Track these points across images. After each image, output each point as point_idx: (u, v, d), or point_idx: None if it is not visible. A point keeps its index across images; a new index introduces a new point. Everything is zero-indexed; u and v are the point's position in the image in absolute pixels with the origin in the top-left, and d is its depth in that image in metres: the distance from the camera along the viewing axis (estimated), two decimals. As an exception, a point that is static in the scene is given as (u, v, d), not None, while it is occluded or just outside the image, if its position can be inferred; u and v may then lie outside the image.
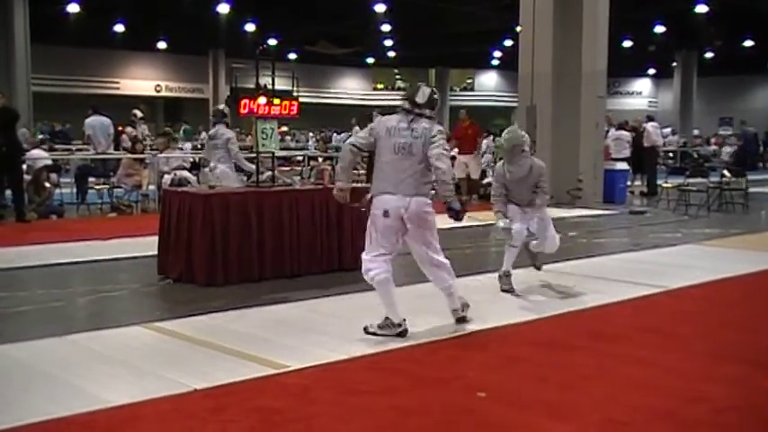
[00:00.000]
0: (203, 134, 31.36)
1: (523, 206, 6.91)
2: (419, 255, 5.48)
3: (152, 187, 13.68)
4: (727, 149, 24.44)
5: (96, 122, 15.46)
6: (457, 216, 5.31)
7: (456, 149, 16.16)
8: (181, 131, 25.52)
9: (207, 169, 10.25)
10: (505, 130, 7.15)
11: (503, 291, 6.91)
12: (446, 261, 5.51)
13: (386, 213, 5.24)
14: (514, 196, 6.94)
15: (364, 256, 5.36)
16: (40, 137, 17.28)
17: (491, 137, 19.85)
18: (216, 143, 10.13)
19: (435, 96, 5.48)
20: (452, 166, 17.23)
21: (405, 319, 5.34)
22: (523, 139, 6.86)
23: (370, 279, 5.32)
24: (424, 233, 5.37)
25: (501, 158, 7.31)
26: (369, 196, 5.40)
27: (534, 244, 7.16)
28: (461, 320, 5.66)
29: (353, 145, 5.53)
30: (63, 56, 31.01)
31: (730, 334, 5.70)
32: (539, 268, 7.48)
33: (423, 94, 5.39)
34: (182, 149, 17.27)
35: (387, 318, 5.34)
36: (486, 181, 16.16)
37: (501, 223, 6.83)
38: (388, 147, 5.30)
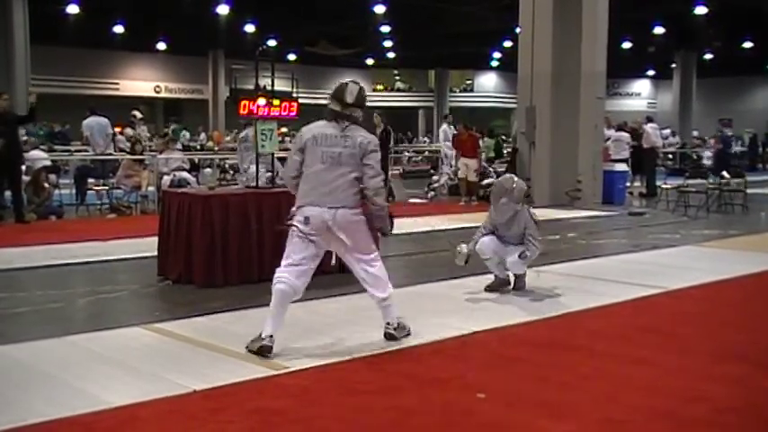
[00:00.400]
0: (202, 135, 31.47)
1: (511, 244, 6.89)
2: (353, 267, 5.14)
3: (151, 188, 13.68)
4: (708, 153, 24.67)
5: (94, 123, 15.46)
6: (385, 235, 5.33)
7: (460, 154, 16.27)
8: (170, 131, 25.12)
9: (239, 170, 10.33)
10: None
11: (485, 288, 6.98)
12: (382, 273, 5.15)
13: (306, 220, 4.92)
14: (503, 235, 6.93)
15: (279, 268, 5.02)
16: (24, 138, 17.18)
17: (483, 138, 19.84)
18: (248, 146, 10.29)
19: (364, 94, 5.14)
20: (453, 164, 17.42)
21: (271, 337, 4.84)
22: (510, 187, 6.78)
23: (273, 287, 4.95)
24: (355, 243, 5.01)
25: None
26: (293, 209, 5.05)
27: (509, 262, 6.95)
28: (390, 337, 5.19)
29: (293, 177, 5.11)
30: (62, 57, 31.02)
31: (731, 334, 5.70)
32: (517, 288, 7.04)
33: (351, 93, 5.05)
34: (180, 150, 17.27)
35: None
36: (485, 182, 16.21)
37: (463, 247, 6.90)
38: (316, 156, 4.95)
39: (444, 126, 18.29)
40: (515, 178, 7.07)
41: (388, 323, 5.21)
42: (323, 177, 4.92)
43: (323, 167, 4.93)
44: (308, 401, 4.11)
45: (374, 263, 5.13)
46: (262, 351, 4.80)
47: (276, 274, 4.97)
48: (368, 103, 5.28)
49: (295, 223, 4.96)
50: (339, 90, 5.10)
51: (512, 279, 7.07)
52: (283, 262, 5.00)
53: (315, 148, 4.97)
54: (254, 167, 10.07)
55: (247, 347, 4.89)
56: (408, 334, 5.29)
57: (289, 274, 4.93)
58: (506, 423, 3.86)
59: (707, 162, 23.30)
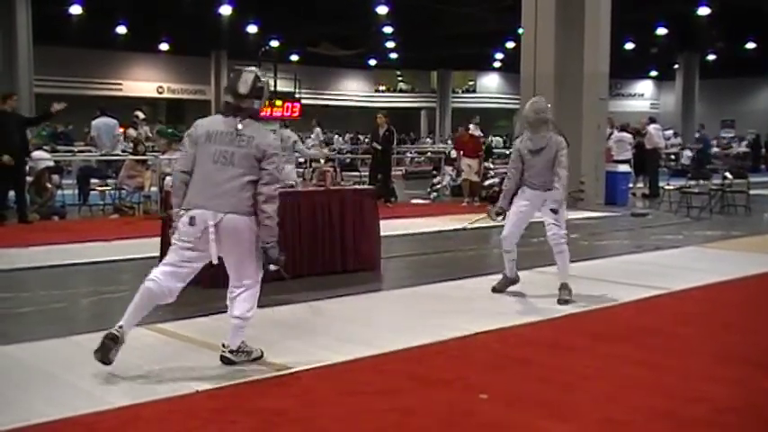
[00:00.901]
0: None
1: (540, 189, 6.68)
2: (232, 279, 4.65)
3: (154, 189, 13.69)
4: (688, 153, 24.81)
5: (101, 124, 15.49)
6: (274, 262, 4.54)
7: (463, 154, 16.27)
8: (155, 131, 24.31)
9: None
10: (530, 100, 6.97)
11: (492, 289, 6.93)
12: (252, 295, 4.64)
13: (192, 221, 4.44)
14: (531, 176, 6.72)
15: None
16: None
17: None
18: (284, 146, 10.90)
19: (260, 84, 4.60)
20: (455, 167, 17.47)
21: (121, 327, 4.47)
22: (548, 108, 6.82)
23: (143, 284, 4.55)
24: (237, 254, 4.53)
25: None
26: (177, 211, 4.60)
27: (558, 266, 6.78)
28: (227, 361, 4.64)
29: (182, 171, 4.63)
30: (65, 57, 31.08)
31: (732, 335, 5.70)
32: (563, 302, 6.55)
33: (245, 83, 4.55)
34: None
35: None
36: (487, 183, 16.22)
37: (491, 208, 6.90)
38: (208, 154, 4.48)
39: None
40: (543, 99, 7.00)
41: (224, 344, 4.67)
42: (213, 178, 4.45)
43: (214, 168, 4.46)
44: (309, 402, 4.11)
45: (243, 289, 4.61)
46: (106, 338, 4.42)
47: (151, 273, 4.57)
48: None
49: (179, 225, 4.52)
50: (232, 80, 4.61)
51: (518, 278, 7.03)
52: (163, 262, 4.62)
53: (208, 145, 4.50)
54: (288, 166, 10.72)
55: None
56: (256, 358, 4.72)
57: (162, 274, 4.53)
58: (507, 423, 3.87)
59: (686, 162, 23.43)
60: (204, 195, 4.46)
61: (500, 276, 7.04)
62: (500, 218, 6.87)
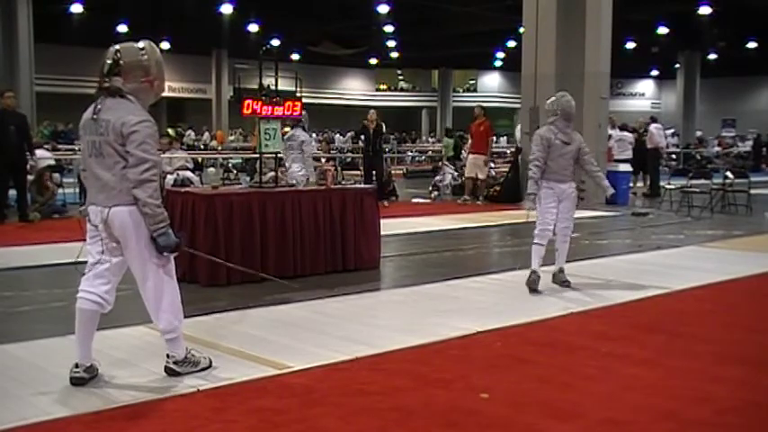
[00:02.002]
0: (205, 134, 31.54)
1: (563, 182, 6.92)
2: (138, 283, 4.40)
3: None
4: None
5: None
6: (168, 249, 4.26)
7: (469, 150, 16.18)
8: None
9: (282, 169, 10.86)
10: (561, 95, 7.12)
11: (529, 288, 6.88)
12: (163, 299, 4.37)
13: (88, 217, 4.30)
14: (561, 167, 6.90)
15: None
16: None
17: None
18: (291, 144, 10.99)
19: (117, 56, 4.25)
20: (455, 165, 17.35)
21: (77, 366, 4.29)
22: (572, 105, 7.05)
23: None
24: (127, 248, 4.23)
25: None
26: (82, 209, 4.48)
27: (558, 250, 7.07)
28: (171, 372, 4.42)
29: (82, 169, 4.54)
30: (66, 56, 31.08)
31: (734, 335, 5.69)
32: (564, 283, 7.09)
33: (103, 62, 4.26)
34: (184, 149, 17.29)
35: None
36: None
37: (528, 205, 6.95)
38: (86, 147, 4.27)
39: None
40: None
41: (168, 355, 4.45)
42: (94, 172, 4.23)
43: (91, 161, 4.24)
44: (311, 401, 4.10)
45: (148, 282, 4.34)
46: (72, 383, 4.27)
47: (80, 287, 4.33)
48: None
49: (87, 223, 4.34)
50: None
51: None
52: (87, 270, 4.34)
53: (84, 137, 4.30)
54: (294, 165, 10.71)
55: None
56: (204, 368, 4.50)
57: (86, 284, 4.30)
58: (510, 423, 3.86)
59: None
60: (92, 191, 4.27)
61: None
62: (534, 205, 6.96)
